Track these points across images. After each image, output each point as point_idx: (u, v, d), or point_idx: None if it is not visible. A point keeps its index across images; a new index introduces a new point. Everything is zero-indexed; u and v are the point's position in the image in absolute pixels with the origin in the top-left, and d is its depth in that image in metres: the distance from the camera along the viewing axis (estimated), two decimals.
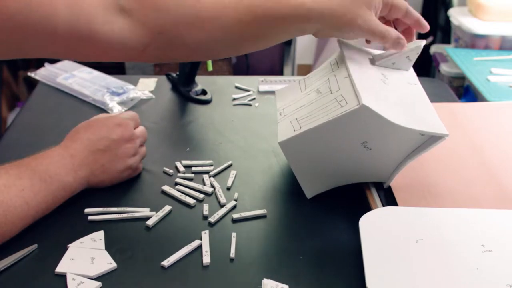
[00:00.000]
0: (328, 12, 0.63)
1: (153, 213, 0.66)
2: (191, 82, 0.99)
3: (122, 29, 0.61)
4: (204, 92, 0.98)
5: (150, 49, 0.64)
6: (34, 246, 0.60)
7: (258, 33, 0.65)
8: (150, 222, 0.65)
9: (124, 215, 0.65)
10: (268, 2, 0.63)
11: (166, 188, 0.71)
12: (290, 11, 0.63)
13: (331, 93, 0.66)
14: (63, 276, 0.57)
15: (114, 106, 0.92)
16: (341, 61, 0.70)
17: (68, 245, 0.60)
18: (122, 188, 0.71)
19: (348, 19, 0.63)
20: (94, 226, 0.64)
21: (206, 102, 0.96)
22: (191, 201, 0.69)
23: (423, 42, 0.70)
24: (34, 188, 0.61)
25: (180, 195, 0.70)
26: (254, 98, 0.98)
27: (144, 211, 0.67)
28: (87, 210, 0.66)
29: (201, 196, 0.70)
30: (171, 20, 0.63)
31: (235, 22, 0.63)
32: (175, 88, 1.00)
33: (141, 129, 0.74)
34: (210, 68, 0.93)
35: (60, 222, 0.64)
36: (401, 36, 0.68)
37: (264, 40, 0.66)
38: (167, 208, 0.67)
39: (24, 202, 0.59)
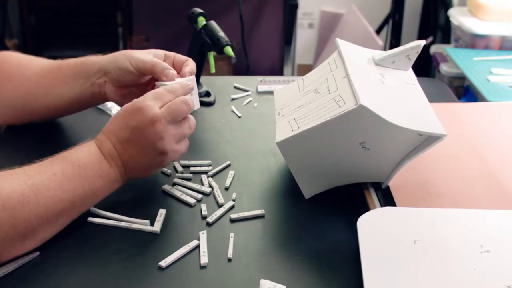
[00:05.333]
0: None
1: (151, 228, 0.64)
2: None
3: None
4: (208, 94, 0.98)
5: None
6: (36, 254, 0.60)
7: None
8: (156, 228, 0.64)
9: (122, 224, 0.65)
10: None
11: (166, 187, 0.71)
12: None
13: (329, 93, 0.66)
14: (63, 284, 0.57)
15: (113, 106, 0.92)
16: (339, 61, 0.70)
17: None
18: (121, 188, 0.71)
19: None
20: (96, 234, 0.64)
21: (209, 104, 0.96)
22: (191, 200, 0.69)
23: (422, 42, 0.70)
24: (66, 172, 0.61)
25: (181, 195, 0.70)
26: (250, 100, 0.97)
27: (144, 223, 0.65)
28: (90, 219, 0.65)
29: (199, 196, 0.70)
30: None
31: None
32: None
33: (170, 105, 0.66)
34: (213, 69, 0.92)
35: (62, 229, 0.63)
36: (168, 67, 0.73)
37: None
38: (163, 212, 0.67)
39: (57, 185, 0.59)
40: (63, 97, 0.80)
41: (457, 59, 1.35)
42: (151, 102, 0.65)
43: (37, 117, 0.84)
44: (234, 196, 0.70)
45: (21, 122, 0.85)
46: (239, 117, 0.92)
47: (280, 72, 2.36)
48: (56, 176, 0.60)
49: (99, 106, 0.93)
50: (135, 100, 0.66)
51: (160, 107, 0.65)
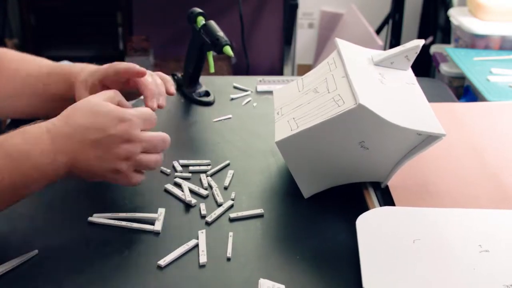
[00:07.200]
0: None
1: (153, 227, 0.64)
2: (195, 83, 0.99)
3: None
4: (207, 93, 0.98)
5: None
6: (35, 252, 0.60)
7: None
8: (158, 228, 0.64)
9: (123, 223, 0.64)
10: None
11: (168, 186, 0.71)
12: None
13: (329, 92, 0.66)
14: (62, 282, 0.57)
15: None
16: (338, 61, 0.70)
17: None
18: (120, 187, 0.71)
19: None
20: (95, 232, 0.64)
21: (209, 103, 0.96)
22: (193, 199, 0.69)
23: (421, 42, 0.70)
24: None
25: (182, 194, 0.70)
26: (250, 100, 0.97)
27: (145, 226, 0.64)
28: (90, 219, 0.65)
29: (204, 192, 0.70)
30: None
31: None
32: (179, 88, 1.00)
33: (151, 134, 0.63)
34: (212, 69, 0.93)
35: (61, 227, 0.63)
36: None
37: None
38: (162, 211, 0.67)
39: None
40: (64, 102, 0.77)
41: (457, 59, 1.35)
42: (138, 120, 0.61)
43: (42, 114, 0.78)
44: (233, 195, 0.70)
45: (25, 117, 0.80)
46: (238, 117, 0.92)
47: (280, 72, 2.36)
48: None
49: None
50: (123, 109, 0.62)
51: (141, 130, 0.62)
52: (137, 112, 0.62)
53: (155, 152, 0.64)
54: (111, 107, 0.61)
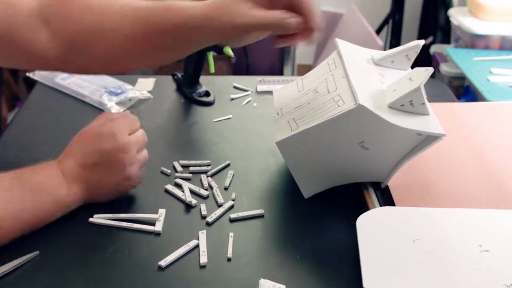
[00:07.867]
0: (205, 18, 0.61)
1: (153, 228, 0.64)
2: (195, 83, 0.99)
3: (44, 39, 0.65)
4: (207, 93, 0.98)
5: (69, 60, 0.67)
6: (36, 253, 0.60)
7: (160, 44, 0.65)
8: (158, 228, 0.64)
9: (124, 224, 0.65)
10: (166, 13, 0.63)
11: (169, 187, 0.71)
12: (185, 21, 0.62)
13: (329, 92, 0.66)
14: (63, 283, 0.57)
15: (112, 106, 0.92)
16: (338, 61, 0.70)
17: None
18: None
19: (226, 22, 0.60)
20: (96, 233, 0.64)
21: (209, 104, 0.96)
22: (193, 200, 0.69)
23: (422, 42, 0.70)
24: (23, 200, 0.59)
25: (182, 195, 0.70)
26: (250, 100, 0.97)
27: (146, 227, 0.65)
28: (91, 220, 0.65)
29: (204, 193, 0.70)
30: (77, 31, 0.65)
31: (132, 33, 0.64)
32: (179, 88, 1.00)
33: (137, 134, 0.68)
34: (212, 69, 0.93)
35: (63, 228, 0.63)
36: (286, 15, 0.61)
37: (170, 51, 0.66)
38: (162, 211, 0.67)
39: (11, 215, 0.58)
40: None
41: (457, 59, 1.36)
42: (124, 128, 0.66)
43: None
44: (233, 195, 0.70)
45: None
46: (238, 117, 0.92)
47: (280, 72, 2.36)
48: (13, 205, 0.58)
49: (99, 106, 0.93)
50: (106, 125, 0.66)
51: (129, 134, 0.67)
52: (121, 117, 0.68)
53: (143, 148, 0.70)
54: (95, 128, 0.66)
